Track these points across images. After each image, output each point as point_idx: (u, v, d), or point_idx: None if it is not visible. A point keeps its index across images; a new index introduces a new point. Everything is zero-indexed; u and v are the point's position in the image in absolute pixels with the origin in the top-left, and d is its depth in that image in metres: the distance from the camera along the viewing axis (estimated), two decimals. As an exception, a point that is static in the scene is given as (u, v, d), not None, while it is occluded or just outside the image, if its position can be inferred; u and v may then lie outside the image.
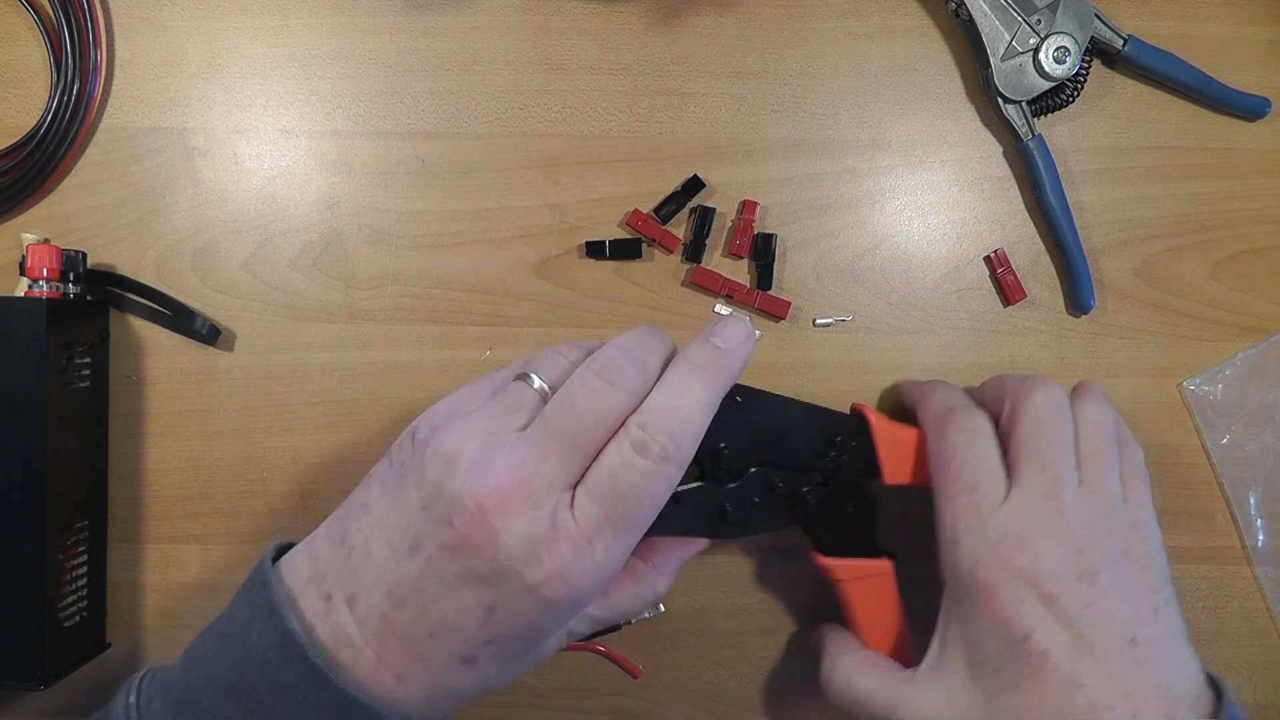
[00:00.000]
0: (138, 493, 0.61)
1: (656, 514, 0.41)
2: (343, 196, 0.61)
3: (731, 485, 0.48)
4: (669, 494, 0.41)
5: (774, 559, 0.61)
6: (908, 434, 0.51)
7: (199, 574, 0.61)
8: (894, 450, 0.50)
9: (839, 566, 0.50)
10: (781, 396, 0.49)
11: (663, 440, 0.40)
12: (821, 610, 0.59)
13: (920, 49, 0.62)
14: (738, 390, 0.46)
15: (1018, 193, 0.62)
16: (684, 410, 0.42)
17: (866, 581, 0.50)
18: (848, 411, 0.52)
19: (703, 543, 0.53)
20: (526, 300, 0.61)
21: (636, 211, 0.60)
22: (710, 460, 0.47)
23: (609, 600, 0.49)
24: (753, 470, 0.48)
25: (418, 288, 0.61)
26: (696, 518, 0.48)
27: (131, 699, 0.42)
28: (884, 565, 0.50)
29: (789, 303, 0.60)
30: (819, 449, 0.49)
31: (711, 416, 0.43)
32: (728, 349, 0.44)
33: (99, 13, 0.60)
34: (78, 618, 0.58)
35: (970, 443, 0.48)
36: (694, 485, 0.48)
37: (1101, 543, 0.45)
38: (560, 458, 0.40)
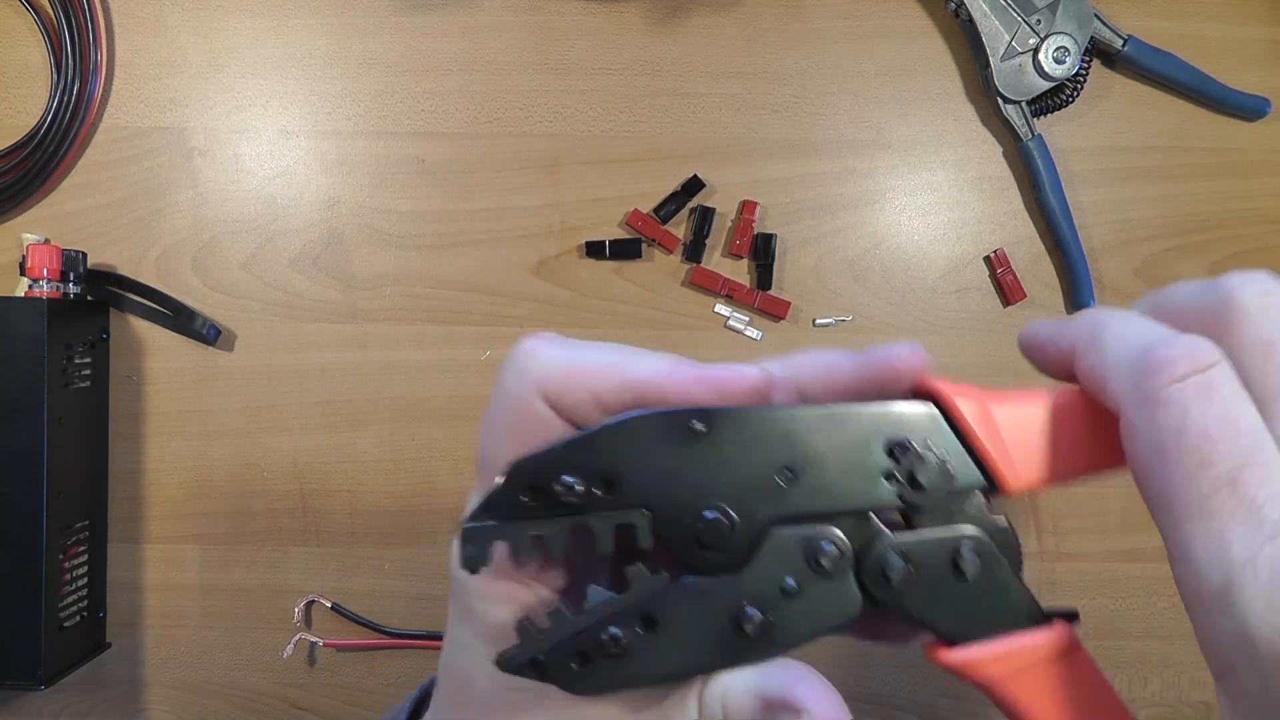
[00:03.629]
0: (138, 493, 0.61)
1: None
2: (343, 196, 0.61)
3: (740, 569, 0.28)
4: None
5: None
6: (1023, 406, 0.30)
7: (199, 574, 0.61)
8: (1008, 434, 0.29)
9: (984, 660, 0.29)
10: (771, 407, 0.29)
11: None
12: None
13: (920, 49, 0.62)
14: (694, 415, 0.28)
15: (1018, 193, 0.62)
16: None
17: (1040, 670, 0.29)
18: (899, 398, 0.30)
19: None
20: (526, 300, 0.61)
21: (636, 211, 0.60)
22: (675, 534, 0.27)
23: None
24: (771, 535, 0.28)
25: (418, 288, 0.61)
26: (695, 642, 0.28)
27: None
28: (1060, 634, 0.29)
29: (789, 303, 0.60)
30: (872, 470, 0.29)
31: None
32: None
33: (99, 13, 0.60)
34: (78, 618, 0.58)
35: (1213, 402, 0.25)
36: (672, 585, 0.28)
37: None
38: None
